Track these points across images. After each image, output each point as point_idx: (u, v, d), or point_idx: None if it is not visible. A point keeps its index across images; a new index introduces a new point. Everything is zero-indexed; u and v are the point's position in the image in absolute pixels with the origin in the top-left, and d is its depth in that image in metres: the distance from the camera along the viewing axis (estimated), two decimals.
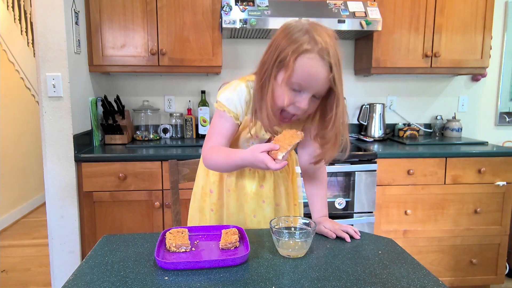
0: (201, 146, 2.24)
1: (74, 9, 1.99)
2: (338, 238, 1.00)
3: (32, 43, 3.61)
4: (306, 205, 1.19)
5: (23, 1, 3.64)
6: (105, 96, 2.25)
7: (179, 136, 2.56)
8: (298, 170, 1.23)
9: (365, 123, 2.62)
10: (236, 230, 0.98)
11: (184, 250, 0.90)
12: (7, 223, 3.09)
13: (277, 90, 0.96)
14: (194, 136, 2.51)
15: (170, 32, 2.20)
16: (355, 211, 2.09)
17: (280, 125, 1.04)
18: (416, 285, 0.76)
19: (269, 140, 1.07)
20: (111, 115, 2.27)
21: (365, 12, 2.16)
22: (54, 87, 1.91)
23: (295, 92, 0.94)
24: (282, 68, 0.94)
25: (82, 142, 2.07)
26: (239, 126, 1.07)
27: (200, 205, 1.19)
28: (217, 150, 1.02)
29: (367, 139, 2.51)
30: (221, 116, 1.05)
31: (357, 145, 2.36)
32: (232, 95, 1.03)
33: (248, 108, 1.05)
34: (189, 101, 2.57)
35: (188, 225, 1.22)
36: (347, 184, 2.07)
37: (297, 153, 1.22)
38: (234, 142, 1.11)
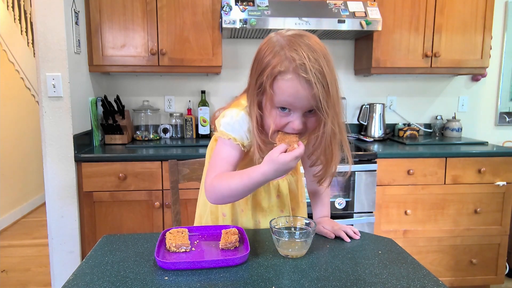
0: (201, 146, 2.25)
1: (74, 9, 1.99)
2: (338, 238, 1.00)
3: (32, 43, 3.61)
4: (308, 204, 1.19)
5: (23, 1, 3.64)
6: (105, 96, 2.25)
7: (179, 136, 2.56)
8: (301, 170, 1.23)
9: (365, 123, 2.62)
10: (236, 230, 0.98)
11: (184, 250, 0.90)
12: (7, 223, 3.09)
13: (265, 116, 0.90)
14: (194, 136, 2.51)
15: (170, 32, 2.20)
16: (355, 211, 2.09)
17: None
18: (416, 285, 0.76)
19: None
20: (111, 115, 2.27)
21: (365, 12, 2.16)
22: (54, 87, 1.91)
23: (284, 112, 0.86)
24: (263, 93, 0.87)
25: (82, 142, 2.07)
26: (244, 152, 0.99)
27: (213, 213, 1.14)
28: (226, 176, 0.91)
29: (367, 139, 2.51)
30: (227, 144, 0.96)
31: (357, 145, 2.36)
32: (234, 124, 0.96)
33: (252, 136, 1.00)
34: (189, 101, 2.58)
35: (195, 222, 1.22)
36: (347, 184, 2.07)
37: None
38: (242, 165, 1.02)
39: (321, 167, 0.98)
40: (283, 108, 0.85)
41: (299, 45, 0.82)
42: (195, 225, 1.23)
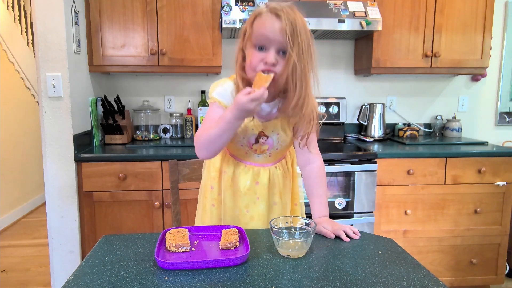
0: None
1: (74, 9, 1.99)
2: (338, 238, 1.00)
3: (32, 43, 3.61)
4: (307, 204, 1.19)
5: (23, 1, 3.64)
6: (105, 96, 2.25)
7: (179, 136, 2.56)
8: (298, 170, 1.23)
9: (365, 123, 2.62)
10: (236, 230, 0.98)
11: (184, 250, 0.90)
12: (7, 223, 3.09)
13: (247, 58, 1.03)
14: (194, 136, 2.51)
15: (170, 32, 2.20)
16: (355, 211, 2.09)
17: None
18: (416, 285, 0.76)
19: (258, 135, 1.10)
20: (111, 115, 2.27)
21: (365, 12, 2.16)
22: (54, 87, 1.91)
23: (261, 51, 0.99)
24: (247, 40, 1.03)
25: (82, 142, 2.07)
26: None
27: (203, 201, 1.22)
28: (204, 128, 1.05)
29: (367, 139, 2.51)
30: (214, 107, 1.09)
31: (357, 145, 2.36)
32: (221, 89, 1.10)
33: None
34: (189, 101, 2.58)
35: (195, 222, 1.25)
36: (347, 184, 2.07)
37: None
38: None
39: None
40: (260, 48, 0.99)
41: (278, 2, 1.01)
42: (196, 222, 1.26)
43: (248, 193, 1.14)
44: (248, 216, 1.15)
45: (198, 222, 1.25)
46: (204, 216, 1.21)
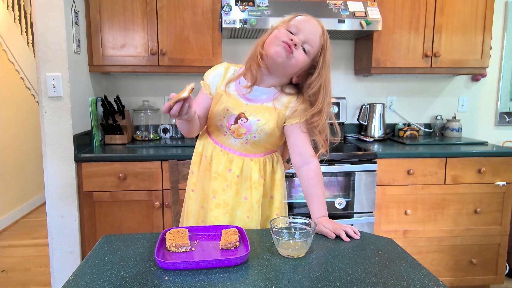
0: None
1: (74, 9, 1.99)
2: (338, 238, 1.00)
3: (32, 43, 3.61)
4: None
5: (23, 1, 3.64)
6: (105, 96, 2.25)
7: (179, 136, 2.56)
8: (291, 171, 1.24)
9: (365, 123, 2.62)
10: (236, 230, 0.98)
11: (184, 250, 0.90)
12: (7, 223, 3.09)
13: (272, 35, 1.09)
14: (194, 136, 2.51)
15: (170, 32, 2.20)
16: (355, 211, 2.09)
17: (262, 78, 1.13)
18: (416, 285, 0.76)
19: (238, 116, 1.12)
20: (111, 115, 2.27)
21: (365, 12, 2.16)
22: (54, 87, 1.91)
23: (290, 34, 1.06)
24: (283, 24, 1.10)
25: (82, 142, 2.07)
26: (211, 99, 1.17)
27: (187, 188, 1.26)
28: None
29: (367, 139, 2.51)
30: (201, 91, 1.20)
31: (357, 145, 2.36)
32: (211, 70, 1.20)
33: (222, 82, 1.16)
34: None
35: (182, 211, 1.29)
36: (347, 184, 2.07)
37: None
38: (209, 119, 1.19)
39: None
40: (290, 32, 1.06)
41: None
42: (182, 211, 1.30)
43: (218, 178, 1.15)
44: (214, 202, 1.14)
45: (183, 210, 1.28)
46: (187, 204, 1.24)
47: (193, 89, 0.93)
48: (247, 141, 1.14)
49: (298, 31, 1.06)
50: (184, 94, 0.92)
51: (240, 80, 1.15)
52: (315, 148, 1.15)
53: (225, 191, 1.14)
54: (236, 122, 1.12)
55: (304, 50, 1.06)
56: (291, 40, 1.04)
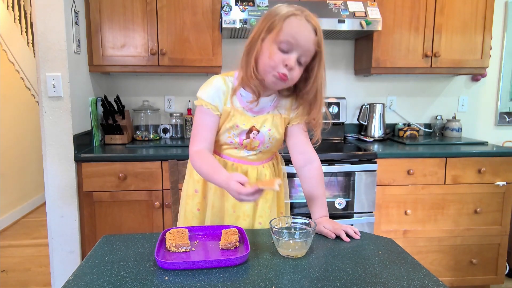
0: None
1: (74, 9, 1.99)
2: (338, 238, 1.00)
3: (32, 43, 3.61)
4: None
5: (23, 1, 3.64)
6: (105, 96, 2.25)
7: (179, 136, 2.56)
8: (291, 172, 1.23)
9: (365, 123, 2.62)
10: (236, 230, 0.98)
11: (184, 250, 0.90)
12: (7, 223, 3.09)
13: (264, 52, 1.00)
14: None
15: (170, 32, 2.20)
16: (355, 211, 2.09)
17: (264, 90, 1.08)
18: (416, 285, 0.76)
19: (250, 130, 1.10)
20: (111, 115, 2.27)
21: (365, 12, 2.16)
22: (54, 87, 1.91)
23: (283, 53, 0.99)
24: (271, 31, 1.00)
25: (82, 142, 2.07)
26: (219, 117, 1.11)
27: (184, 208, 1.21)
28: (202, 158, 1.06)
29: (367, 139, 2.51)
30: (202, 112, 1.10)
31: (357, 145, 2.36)
32: (209, 88, 1.10)
33: (226, 99, 1.10)
34: (189, 101, 2.57)
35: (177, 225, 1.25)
36: (347, 184, 2.07)
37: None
38: (216, 136, 1.15)
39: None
40: (282, 51, 0.99)
41: (306, 10, 1.01)
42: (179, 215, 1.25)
43: None
44: (234, 216, 1.15)
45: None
46: (186, 223, 1.19)
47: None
48: (261, 150, 1.15)
49: (291, 48, 0.98)
50: (276, 188, 0.87)
51: (240, 92, 1.11)
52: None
53: (243, 203, 1.11)
54: (248, 137, 1.12)
55: (299, 62, 1.01)
56: (286, 65, 0.98)
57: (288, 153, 1.19)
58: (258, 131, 1.11)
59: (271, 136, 1.12)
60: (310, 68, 1.05)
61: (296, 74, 1.02)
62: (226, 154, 1.16)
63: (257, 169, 1.16)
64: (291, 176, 2.00)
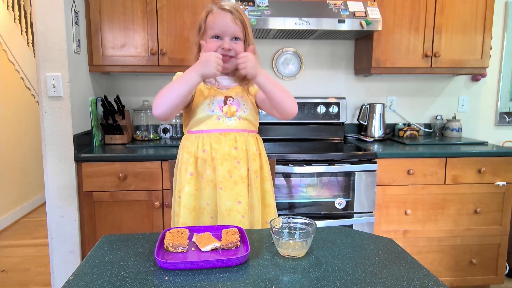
0: None
1: (74, 9, 1.99)
2: (338, 238, 1.00)
3: (32, 43, 3.61)
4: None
5: (23, 1, 3.64)
6: (105, 96, 2.25)
7: (179, 136, 2.56)
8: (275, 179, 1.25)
9: (365, 123, 2.62)
10: (237, 230, 0.98)
11: (181, 250, 0.90)
12: (7, 223, 3.09)
13: (203, 48, 1.24)
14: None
15: (170, 32, 2.20)
16: (355, 211, 2.09)
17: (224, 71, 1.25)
18: (416, 285, 0.76)
19: (225, 98, 1.24)
20: (111, 115, 2.27)
21: (365, 12, 2.16)
22: (54, 87, 1.91)
23: (217, 40, 1.22)
24: (202, 33, 1.26)
25: (82, 142, 2.07)
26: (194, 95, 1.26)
27: (177, 209, 1.27)
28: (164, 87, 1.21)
29: (367, 139, 2.51)
30: (177, 76, 1.29)
31: (357, 145, 2.36)
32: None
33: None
34: None
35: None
36: (347, 184, 2.07)
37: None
38: (193, 112, 1.26)
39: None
40: (216, 37, 1.22)
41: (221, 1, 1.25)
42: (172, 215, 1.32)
43: (228, 158, 1.20)
44: (231, 181, 1.20)
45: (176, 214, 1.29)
46: (188, 206, 1.23)
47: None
48: (240, 117, 1.25)
49: (220, 33, 1.21)
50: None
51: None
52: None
53: (237, 168, 1.21)
54: (225, 103, 1.24)
55: (237, 38, 1.21)
56: (223, 48, 1.20)
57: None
58: (233, 98, 1.25)
59: (244, 102, 1.27)
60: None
61: (239, 47, 1.22)
62: (212, 127, 1.23)
63: (243, 135, 1.24)
64: (288, 176, 2.00)
